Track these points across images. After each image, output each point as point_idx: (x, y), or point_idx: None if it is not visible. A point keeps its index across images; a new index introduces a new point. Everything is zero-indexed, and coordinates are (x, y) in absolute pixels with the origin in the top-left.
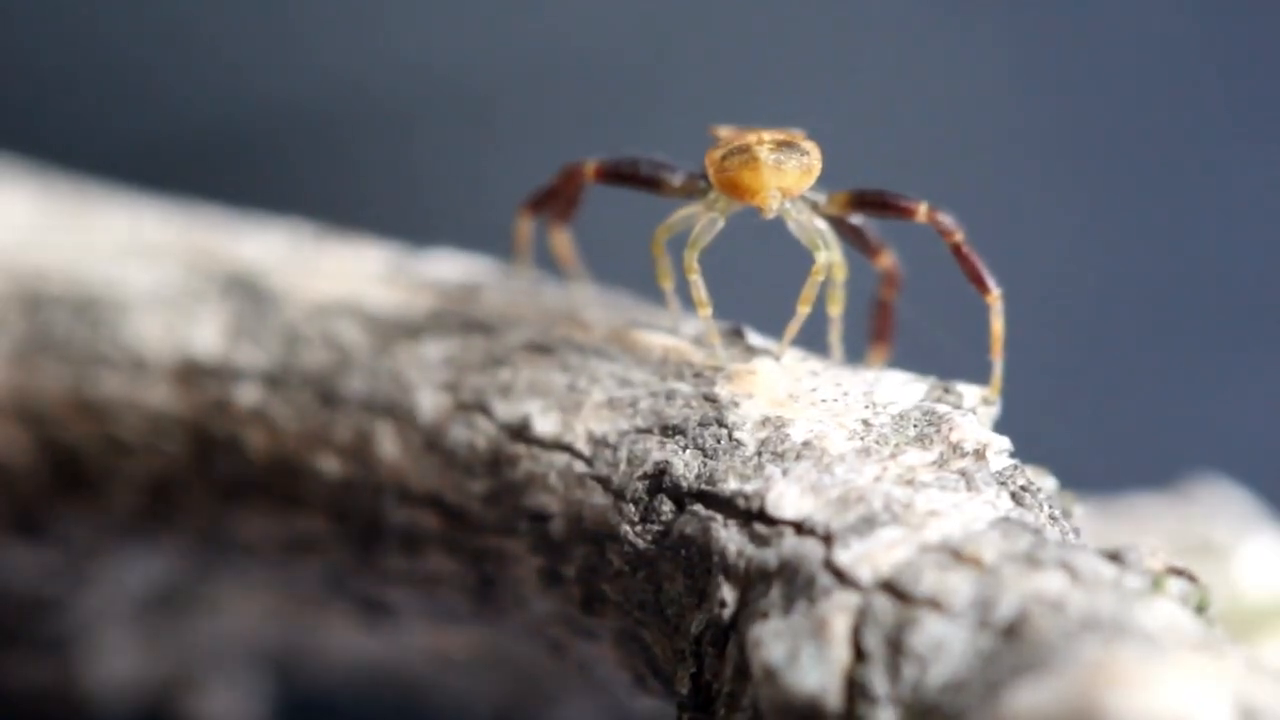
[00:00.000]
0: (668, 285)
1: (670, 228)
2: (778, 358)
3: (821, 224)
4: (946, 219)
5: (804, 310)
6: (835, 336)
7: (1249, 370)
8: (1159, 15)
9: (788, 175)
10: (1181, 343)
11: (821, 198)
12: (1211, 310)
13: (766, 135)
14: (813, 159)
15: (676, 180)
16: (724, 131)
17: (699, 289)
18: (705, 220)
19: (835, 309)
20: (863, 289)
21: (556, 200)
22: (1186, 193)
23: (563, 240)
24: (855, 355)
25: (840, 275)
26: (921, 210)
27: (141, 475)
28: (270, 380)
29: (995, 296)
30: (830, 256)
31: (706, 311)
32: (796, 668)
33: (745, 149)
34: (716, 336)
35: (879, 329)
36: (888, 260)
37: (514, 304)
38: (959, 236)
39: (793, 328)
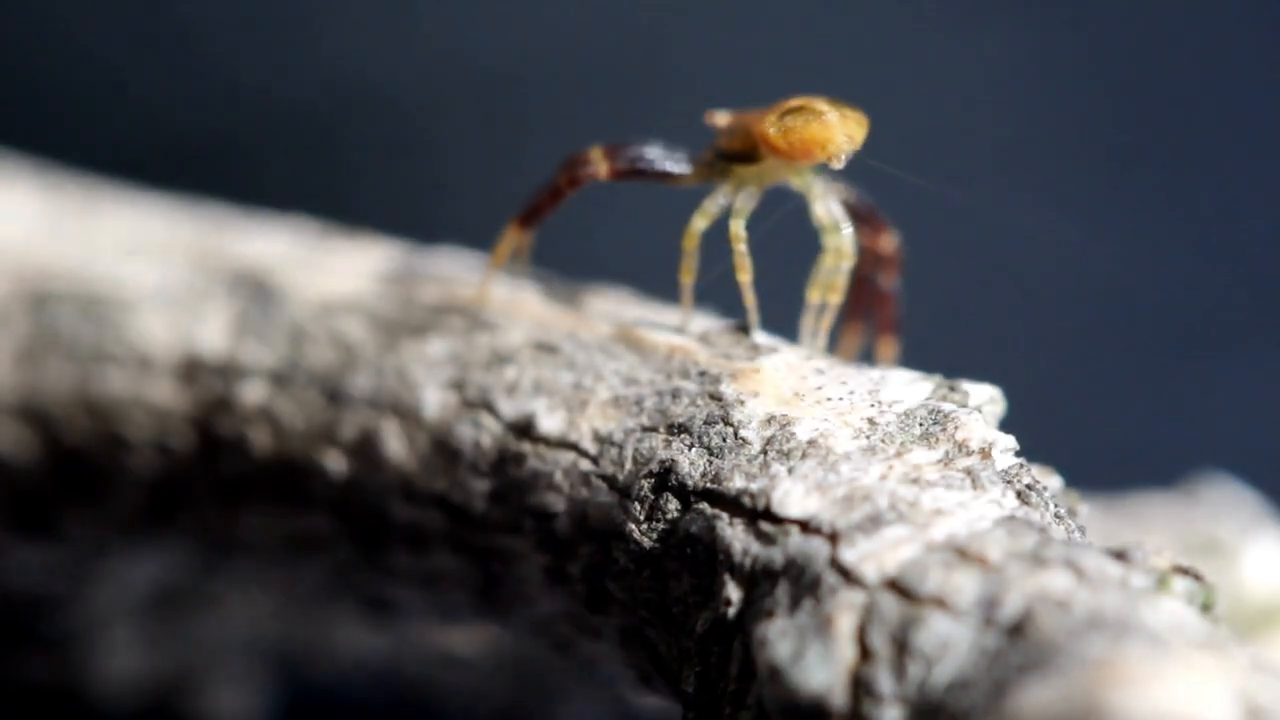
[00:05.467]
0: (689, 280)
1: (707, 215)
2: (815, 351)
3: (839, 207)
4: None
5: (837, 300)
6: (828, 324)
7: (1255, 370)
8: (1158, 18)
9: (851, 123)
10: (1188, 341)
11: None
12: (1218, 309)
13: (796, 102)
14: (860, 113)
15: (688, 168)
16: (721, 118)
17: (744, 258)
18: (743, 193)
19: (837, 296)
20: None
21: (555, 205)
22: (1192, 192)
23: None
24: (833, 345)
25: (850, 261)
26: (889, 241)
27: (147, 473)
28: (276, 378)
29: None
30: (850, 240)
31: (748, 278)
32: (802, 666)
33: (801, 109)
34: (752, 299)
35: (883, 319)
36: (889, 243)
37: (518, 302)
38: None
39: (827, 320)
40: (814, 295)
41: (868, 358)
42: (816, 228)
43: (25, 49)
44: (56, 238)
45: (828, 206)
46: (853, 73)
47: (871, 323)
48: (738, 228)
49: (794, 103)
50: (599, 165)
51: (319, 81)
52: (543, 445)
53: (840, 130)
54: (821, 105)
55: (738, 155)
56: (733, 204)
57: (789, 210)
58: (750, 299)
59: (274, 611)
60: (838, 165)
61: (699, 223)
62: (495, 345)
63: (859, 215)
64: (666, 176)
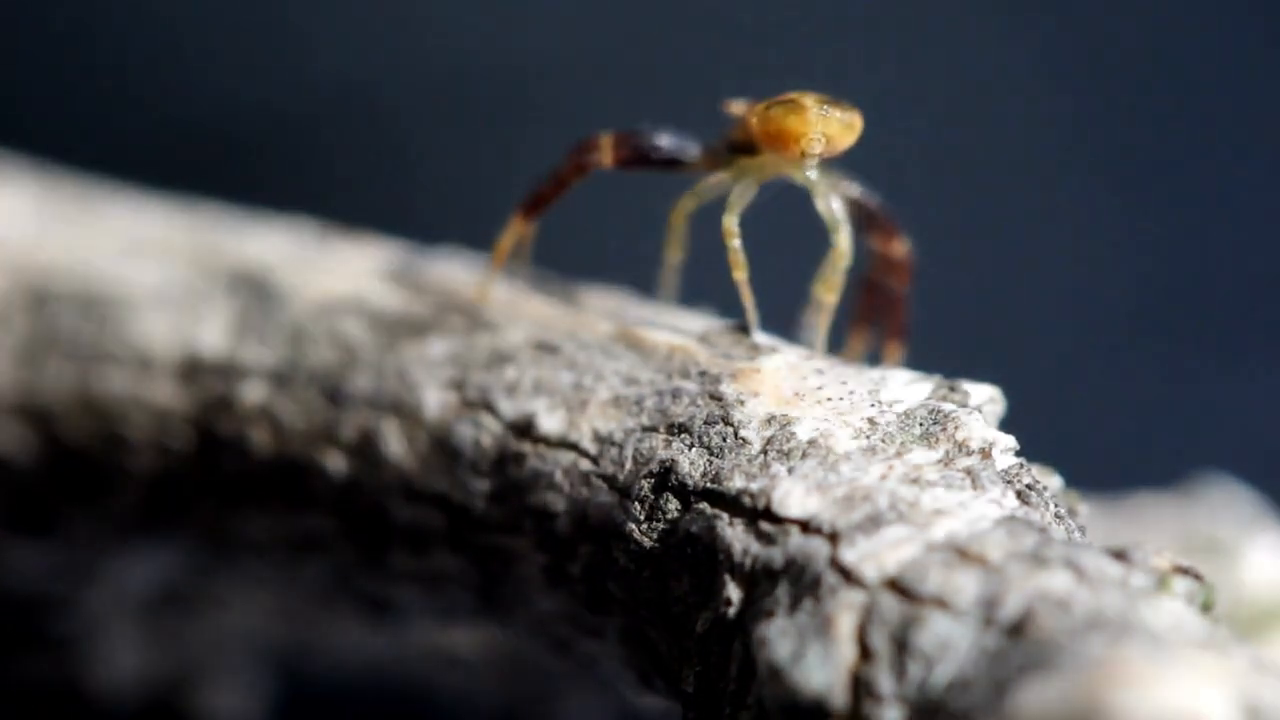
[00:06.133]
0: (675, 256)
1: (698, 195)
2: (816, 351)
3: (840, 206)
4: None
5: (833, 300)
6: (825, 324)
7: (1255, 369)
8: (1159, 18)
9: (832, 123)
10: (1187, 341)
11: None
12: (1218, 308)
13: (790, 95)
14: (855, 116)
15: (696, 155)
16: (738, 107)
17: (738, 254)
18: (739, 186)
19: (833, 296)
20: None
21: (560, 193)
22: (1192, 191)
23: (526, 231)
24: (840, 347)
25: (847, 262)
26: (901, 246)
27: (147, 473)
28: (276, 378)
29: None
30: (848, 240)
31: (743, 275)
32: (802, 666)
33: (790, 99)
34: (749, 297)
35: (892, 324)
36: (901, 249)
37: (518, 302)
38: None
39: (824, 319)
40: (820, 292)
41: (873, 361)
42: (824, 224)
43: (25, 49)
44: (56, 237)
45: (828, 204)
46: (856, 72)
47: (880, 327)
48: (730, 223)
49: (787, 96)
50: (605, 152)
51: (319, 81)
52: (543, 445)
53: (816, 126)
54: (808, 100)
55: (741, 146)
56: (728, 197)
57: (788, 210)
58: (747, 297)
59: (274, 611)
60: (811, 162)
61: (688, 202)
62: (495, 345)
63: (871, 218)
64: (674, 164)
